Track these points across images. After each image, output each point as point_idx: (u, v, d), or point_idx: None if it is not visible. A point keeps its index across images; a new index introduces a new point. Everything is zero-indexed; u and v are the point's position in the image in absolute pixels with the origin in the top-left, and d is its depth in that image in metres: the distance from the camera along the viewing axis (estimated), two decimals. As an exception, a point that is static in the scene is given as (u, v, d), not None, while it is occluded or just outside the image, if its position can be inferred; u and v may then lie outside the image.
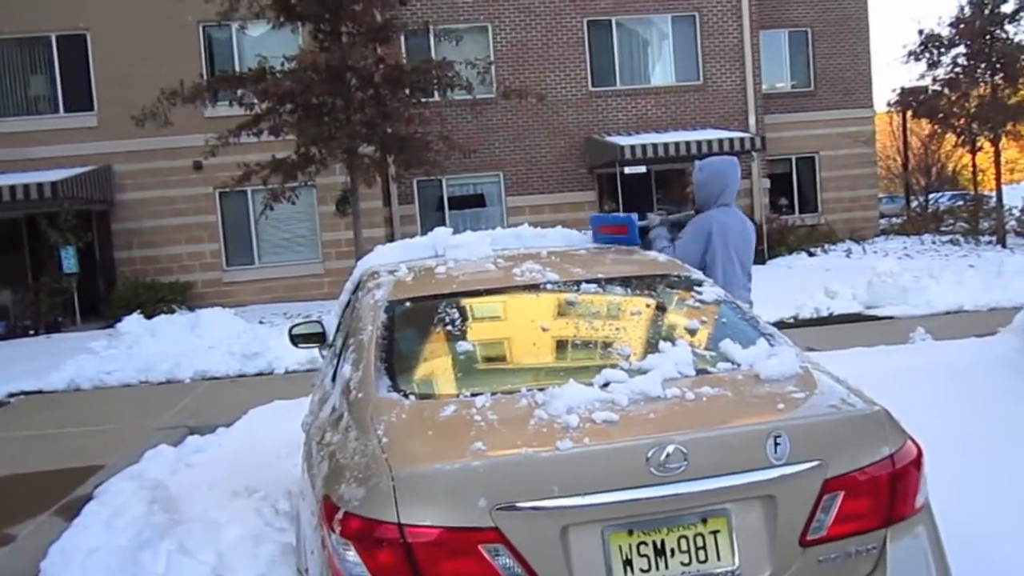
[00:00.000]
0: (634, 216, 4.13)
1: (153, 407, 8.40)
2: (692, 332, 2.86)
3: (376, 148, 13.83)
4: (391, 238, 18.38)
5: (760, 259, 18.65)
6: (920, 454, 2.39)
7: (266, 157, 13.31)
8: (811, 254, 19.25)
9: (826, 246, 19.97)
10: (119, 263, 17.55)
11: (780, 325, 9.58)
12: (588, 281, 3.09)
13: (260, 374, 10.01)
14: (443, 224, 18.47)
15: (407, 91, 13.63)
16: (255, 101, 13.05)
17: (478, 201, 19.73)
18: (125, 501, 4.72)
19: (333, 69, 12.63)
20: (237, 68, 15.04)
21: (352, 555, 2.08)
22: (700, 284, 3.23)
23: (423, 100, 14.11)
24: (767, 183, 20.86)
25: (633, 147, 17.55)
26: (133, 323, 11.86)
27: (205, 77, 14.18)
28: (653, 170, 18.96)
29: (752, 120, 20.11)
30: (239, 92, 13.11)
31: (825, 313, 11.30)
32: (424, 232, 4.83)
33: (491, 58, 17.90)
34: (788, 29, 22.14)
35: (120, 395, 9.49)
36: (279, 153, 13.41)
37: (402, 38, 16.49)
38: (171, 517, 4.55)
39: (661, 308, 3.18)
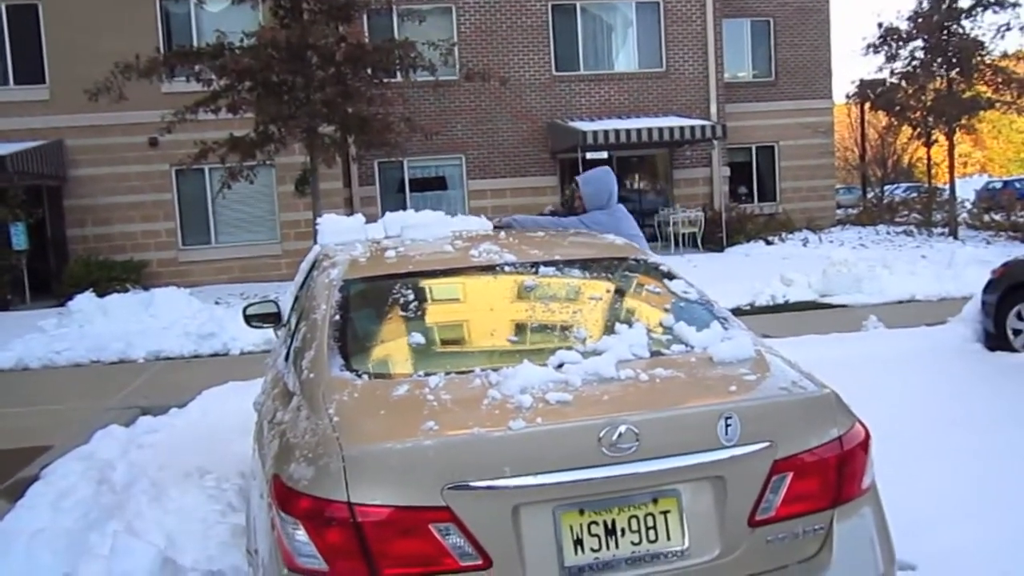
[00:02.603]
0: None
1: (104, 387, 8.25)
2: (647, 315, 2.87)
3: (336, 128, 13.68)
4: (351, 219, 18.24)
5: (718, 247, 18.87)
6: (867, 437, 2.43)
7: (224, 135, 13.09)
8: (769, 242, 19.50)
9: (783, 235, 20.24)
10: (71, 240, 17.19)
11: (736, 312, 9.68)
12: (546, 263, 3.08)
13: (215, 355, 9.88)
14: (404, 206, 18.40)
15: (369, 71, 13.48)
16: (213, 77, 12.81)
17: (440, 184, 19.64)
18: (73, 482, 4.64)
19: (293, 47, 12.44)
20: (195, 44, 14.74)
21: (301, 534, 2.06)
22: (657, 267, 3.24)
23: (385, 80, 13.96)
24: (727, 171, 21.05)
25: (595, 133, 17.58)
26: (85, 301, 11.62)
27: (162, 52, 13.89)
28: (615, 156, 19.02)
29: (714, 108, 20.25)
30: (197, 68, 12.85)
31: (781, 301, 11.44)
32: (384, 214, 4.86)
33: (454, 40, 17.80)
34: (751, 19, 22.32)
35: (70, 375, 9.30)
36: (237, 131, 13.20)
37: (364, 17, 16.29)
38: (120, 498, 4.48)
39: (617, 291, 3.19)
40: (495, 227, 4.49)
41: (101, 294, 12.36)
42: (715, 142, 19.71)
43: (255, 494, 2.73)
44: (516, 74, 18.86)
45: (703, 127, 18.62)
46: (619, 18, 20.26)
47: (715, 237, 19.16)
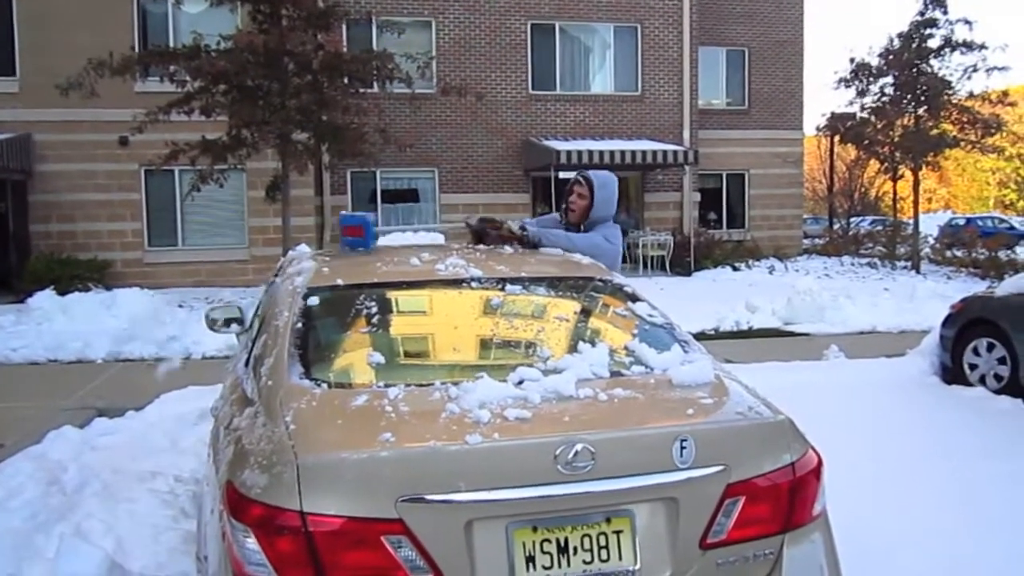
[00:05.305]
0: (370, 216, 3.72)
1: (61, 387, 8.10)
2: (610, 335, 2.89)
3: (310, 135, 13.62)
4: (321, 228, 18.14)
5: (686, 271, 19.02)
6: (820, 464, 2.46)
7: (196, 137, 12.98)
8: (736, 269, 19.70)
9: (750, 262, 20.47)
10: (34, 236, 16.89)
11: (701, 336, 9.77)
12: (511, 280, 3.09)
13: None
14: (376, 217, 18.27)
15: (345, 80, 13.46)
16: (188, 79, 12.71)
17: (412, 196, 19.61)
18: (22, 482, 4.54)
19: (270, 52, 12.39)
20: (171, 44, 14.63)
21: (252, 542, 2.04)
22: (621, 289, 3.26)
23: (361, 90, 13.96)
24: (697, 197, 21.26)
25: (569, 152, 17.67)
26: (44, 299, 11.43)
27: (137, 50, 13.76)
28: (588, 176, 19.10)
29: (687, 134, 20.47)
30: (171, 68, 12.73)
31: (745, 327, 11.54)
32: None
33: (433, 53, 17.85)
34: (726, 48, 22.63)
35: (26, 373, 9.12)
36: (210, 134, 13.09)
37: (344, 26, 16.28)
38: (70, 500, 4.40)
39: (581, 310, 3.20)
40: (521, 233, 3.93)
41: (62, 292, 12.16)
42: (687, 167, 19.93)
43: (207, 500, 2.70)
44: (493, 90, 18.94)
45: (675, 152, 18.80)
46: (597, 40, 20.44)
47: (683, 261, 19.32)
